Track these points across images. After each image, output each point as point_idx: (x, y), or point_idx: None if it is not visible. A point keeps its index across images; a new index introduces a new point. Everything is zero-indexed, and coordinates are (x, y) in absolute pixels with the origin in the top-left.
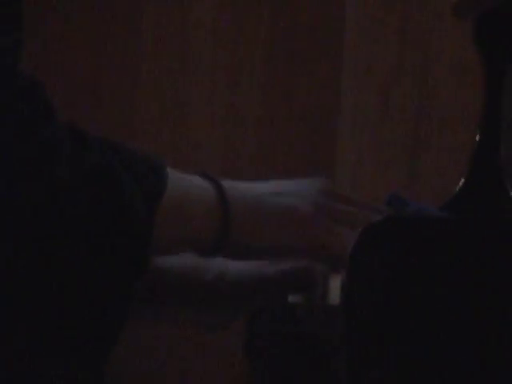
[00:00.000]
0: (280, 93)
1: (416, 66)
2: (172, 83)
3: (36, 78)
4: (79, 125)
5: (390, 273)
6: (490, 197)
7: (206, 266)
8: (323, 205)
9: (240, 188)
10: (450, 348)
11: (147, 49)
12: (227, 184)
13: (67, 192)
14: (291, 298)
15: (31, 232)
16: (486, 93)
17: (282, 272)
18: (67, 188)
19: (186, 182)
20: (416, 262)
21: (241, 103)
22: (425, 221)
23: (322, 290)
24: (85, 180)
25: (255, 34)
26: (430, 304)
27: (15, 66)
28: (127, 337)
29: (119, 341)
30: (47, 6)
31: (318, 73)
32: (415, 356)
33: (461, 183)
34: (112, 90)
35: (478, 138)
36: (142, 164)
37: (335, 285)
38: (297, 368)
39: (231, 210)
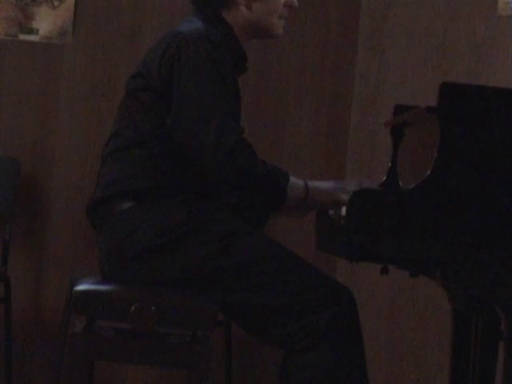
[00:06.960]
0: None
1: None
2: None
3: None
4: None
5: (360, 206)
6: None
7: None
8: (339, 187)
9: (314, 182)
10: None
11: None
12: (309, 181)
13: (261, 176)
14: (330, 212)
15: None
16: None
17: (334, 201)
18: (261, 176)
19: (294, 178)
20: (367, 202)
21: None
22: (367, 189)
23: (341, 209)
24: (265, 172)
25: None
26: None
27: (239, 123)
28: None
29: None
30: None
31: None
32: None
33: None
34: None
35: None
36: (278, 168)
37: (343, 209)
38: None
39: (309, 190)
